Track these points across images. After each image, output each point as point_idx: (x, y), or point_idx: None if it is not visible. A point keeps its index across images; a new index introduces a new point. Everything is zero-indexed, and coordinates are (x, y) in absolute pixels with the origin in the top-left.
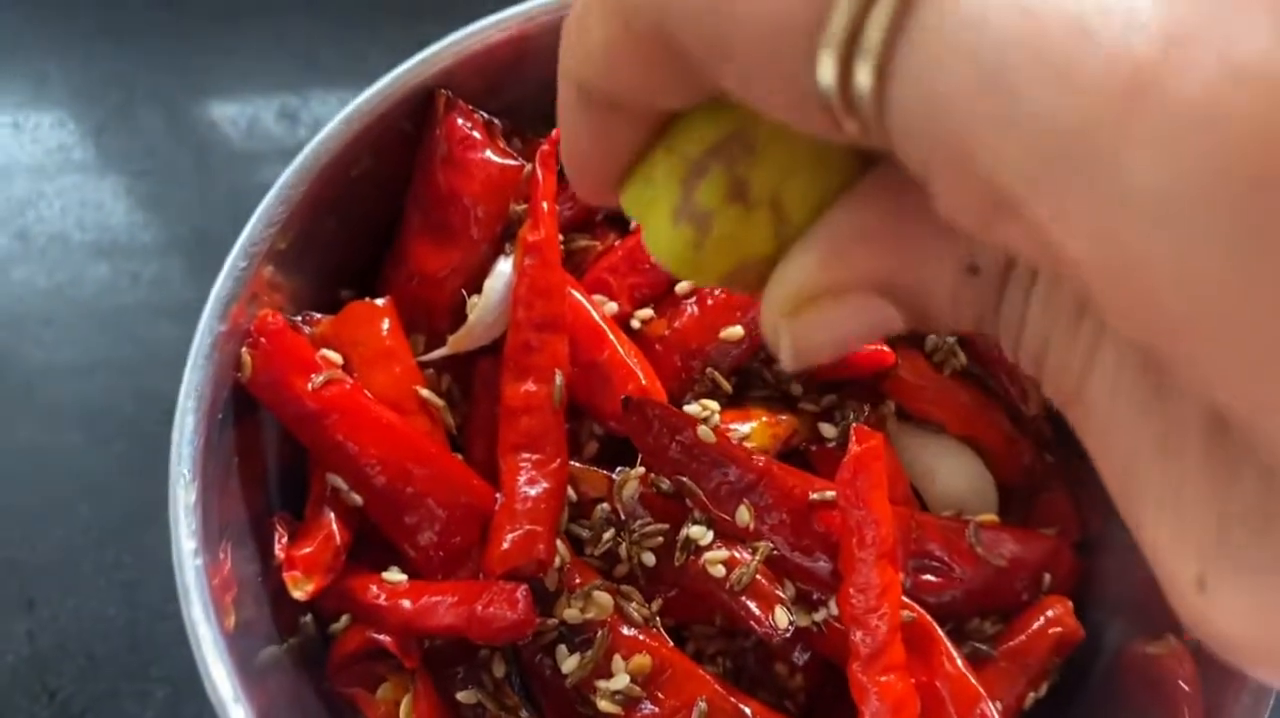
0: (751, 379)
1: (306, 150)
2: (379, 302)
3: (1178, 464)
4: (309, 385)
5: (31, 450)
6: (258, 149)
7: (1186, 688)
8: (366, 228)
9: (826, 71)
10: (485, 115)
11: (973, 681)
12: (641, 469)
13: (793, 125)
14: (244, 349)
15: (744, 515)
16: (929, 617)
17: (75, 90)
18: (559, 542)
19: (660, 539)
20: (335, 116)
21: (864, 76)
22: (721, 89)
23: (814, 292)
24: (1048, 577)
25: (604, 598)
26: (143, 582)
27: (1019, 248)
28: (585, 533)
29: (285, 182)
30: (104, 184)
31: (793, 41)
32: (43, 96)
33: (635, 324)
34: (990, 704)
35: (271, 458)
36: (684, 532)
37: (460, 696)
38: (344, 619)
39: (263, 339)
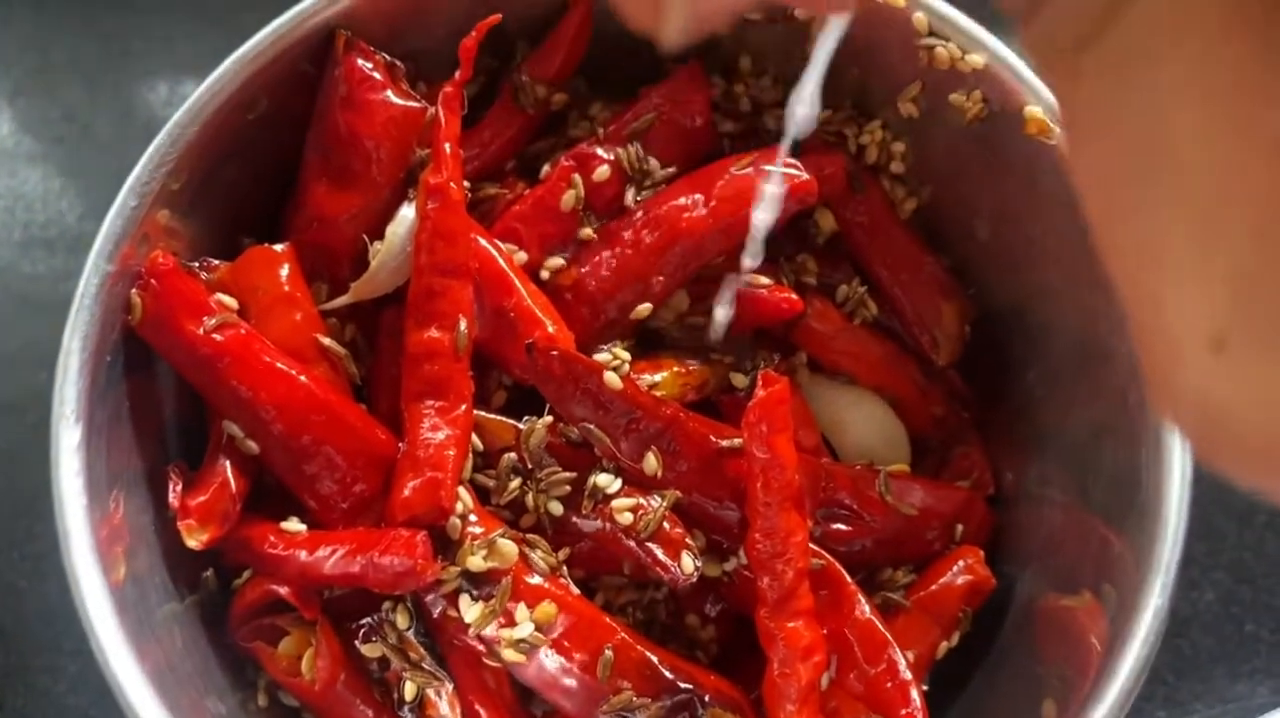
0: (665, 329)
1: (199, 90)
2: (278, 247)
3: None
4: (200, 329)
5: None
6: None
7: (1098, 647)
8: (268, 173)
9: None
10: (387, 57)
11: (881, 628)
12: (550, 418)
13: None
14: (133, 291)
15: (651, 463)
16: (839, 565)
17: None
18: (462, 489)
19: (568, 488)
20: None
21: None
22: None
23: None
24: (960, 528)
25: (508, 546)
26: (55, 553)
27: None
28: (491, 483)
29: (177, 121)
30: (19, 150)
31: None
32: None
33: (545, 274)
34: (899, 652)
35: (169, 410)
36: (591, 480)
37: (364, 649)
38: (246, 574)
39: (153, 281)
